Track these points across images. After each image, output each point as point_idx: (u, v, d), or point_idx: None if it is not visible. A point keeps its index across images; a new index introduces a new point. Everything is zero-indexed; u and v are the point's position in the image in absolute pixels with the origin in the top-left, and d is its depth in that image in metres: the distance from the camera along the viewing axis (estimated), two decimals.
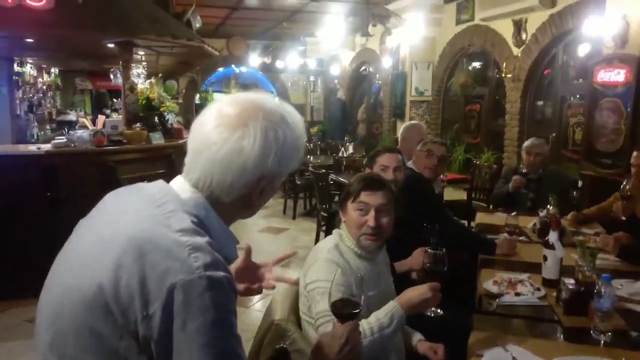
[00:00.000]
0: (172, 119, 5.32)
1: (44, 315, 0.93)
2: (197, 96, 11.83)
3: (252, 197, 1.00)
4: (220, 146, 0.94)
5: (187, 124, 8.09)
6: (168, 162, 4.69)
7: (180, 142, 4.98)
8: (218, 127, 0.95)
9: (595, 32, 4.41)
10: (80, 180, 4.08)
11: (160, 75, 6.02)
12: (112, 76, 6.01)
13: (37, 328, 0.94)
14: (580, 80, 5.25)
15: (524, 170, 3.84)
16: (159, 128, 4.99)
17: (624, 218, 3.02)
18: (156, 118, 5.03)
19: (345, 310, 1.18)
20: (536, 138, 4.10)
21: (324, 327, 1.56)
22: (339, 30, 7.01)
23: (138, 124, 4.78)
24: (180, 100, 10.27)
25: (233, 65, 12.28)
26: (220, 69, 12.25)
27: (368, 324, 1.58)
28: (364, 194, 1.76)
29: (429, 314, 1.72)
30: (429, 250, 1.68)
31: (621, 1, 4.04)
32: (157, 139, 4.75)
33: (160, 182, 1.01)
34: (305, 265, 1.77)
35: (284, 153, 0.98)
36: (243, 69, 12.58)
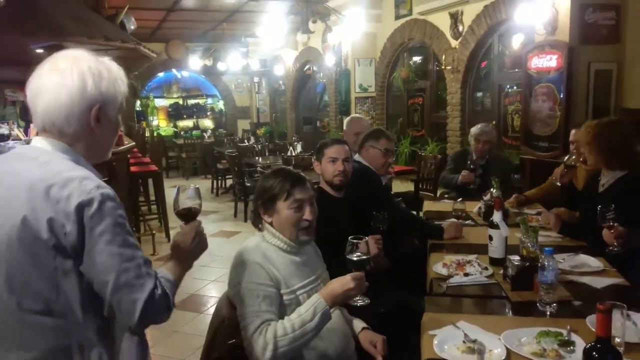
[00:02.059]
0: None
1: None
2: (138, 103, 11.46)
3: (94, 129, 1.22)
4: (48, 88, 1.17)
5: (128, 132, 7.84)
6: (110, 169, 4.47)
7: (120, 148, 4.77)
8: (48, 74, 1.19)
9: (527, 21, 4.57)
10: None
11: None
12: None
13: None
14: (516, 70, 5.45)
15: (471, 167, 3.88)
16: None
17: (559, 184, 3.14)
18: None
19: (186, 214, 1.42)
20: (485, 124, 4.15)
21: (246, 330, 1.56)
22: (280, 29, 6.94)
23: None
24: None
25: (174, 70, 11.96)
26: (161, 74, 11.90)
27: (289, 321, 1.56)
28: (297, 191, 1.73)
29: (355, 303, 1.67)
30: (350, 239, 1.64)
31: None
32: None
33: (28, 147, 1.24)
34: (231, 264, 1.73)
35: (107, 81, 1.23)
36: (185, 73, 12.27)
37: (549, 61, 4.31)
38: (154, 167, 6.06)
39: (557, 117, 4.32)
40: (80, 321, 1.16)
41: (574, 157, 3.01)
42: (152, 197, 6.42)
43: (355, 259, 1.62)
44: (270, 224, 1.75)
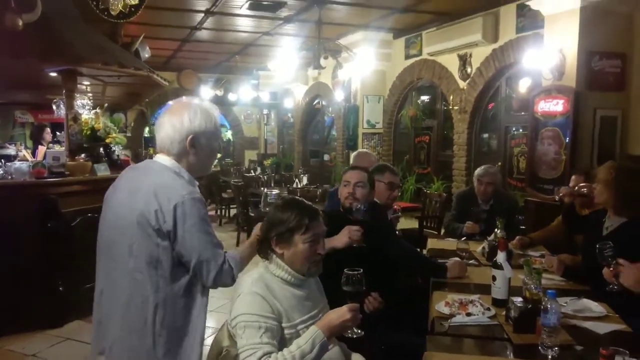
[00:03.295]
0: (119, 151, 5.14)
1: (112, 237, 1.73)
2: (147, 129, 11.60)
3: (190, 152, 1.74)
4: (163, 123, 1.75)
5: (136, 157, 7.88)
6: None
7: None
8: (166, 114, 1.77)
9: (534, 65, 4.66)
10: (18, 214, 3.86)
11: (106, 105, 5.86)
12: (54, 107, 5.76)
13: (107, 247, 1.75)
14: (523, 113, 5.51)
15: (475, 218, 3.82)
16: (104, 159, 4.80)
17: (557, 198, 3.15)
18: (101, 149, 4.85)
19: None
20: (489, 166, 4.14)
21: None
22: (292, 63, 7.10)
23: (82, 155, 4.58)
24: (129, 134, 10.03)
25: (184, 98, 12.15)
26: (171, 102, 12.09)
27: (289, 352, 1.55)
28: (314, 225, 1.74)
29: (349, 335, 1.66)
30: (346, 271, 1.67)
31: (557, 36, 4.31)
32: (103, 170, 4.56)
33: (151, 161, 1.81)
34: (232, 301, 1.72)
35: (200, 118, 1.74)
36: (173, 102, 12.45)
37: (556, 105, 4.36)
38: None
39: (563, 161, 4.34)
40: (168, 280, 1.66)
41: (584, 190, 3.00)
42: None
43: (351, 290, 1.65)
44: (281, 255, 1.73)
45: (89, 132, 4.64)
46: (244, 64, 10.33)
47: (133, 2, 4.20)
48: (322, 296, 1.88)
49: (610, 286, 2.16)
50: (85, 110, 5.01)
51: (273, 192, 2.11)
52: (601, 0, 4.06)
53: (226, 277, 1.71)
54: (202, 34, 7.65)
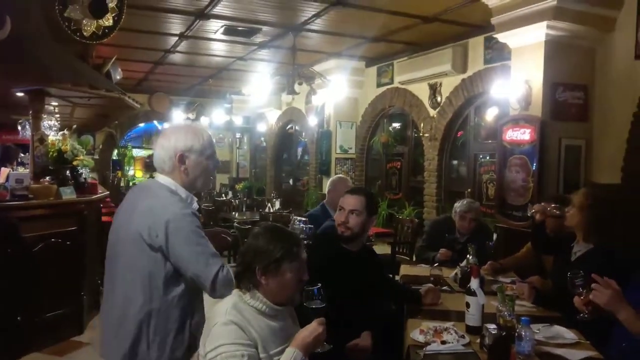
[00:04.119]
0: (86, 174, 5.01)
1: (116, 249, 1.88)
2: (115, 152, 11.39)
3: (182, 169, 1.87)
4: (156, 145, 1.93)
5: (103, 180, 7.70)
6: (79, 219, 4.35)
7: (93, 197, 4.67)
8: (160, 138, 1.93)
9: (502, 95, 4.81)
10: None
11: (74, 127, 5.72)
12: (20, 128, 5.59)
13: (111, 259, 1.90)
14: (491, 141, 5.66)
15: (452, 245, 3.78)
16: (70, 182, 4.65)
17: (530, 214, 3.18)
18: (68, 172, 4.70)
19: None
20: (471, 201, 4.01)
21: None
22: (266, 88, 7.13)
23: (47, 178, 4.43)
24: (97, 156, 9.82)
25: (155, 121, 12.02)
26: (141, 125, 11.93)
27: None
28: (301, 251, 1.72)
29: (319, 350, 1.67)
30: (306, 288, 1.71)
31: (523, 67, 4.47)
32: (68, 194, 4.41)
33: (151, 180, 2.00)
34: (204, 334, 1.68)
35: (185, 137, 1.87)
36: (166, 125, 12.34)
37: (523, 134, 4.49)
38: None
39: (530, 188, 4.44)
40: (162, 291, 1.76)
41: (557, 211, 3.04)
42: None
43: (315, 305, 1.70)
44: (266, 285, 1.67)
45: (55, 154, 4.50)
46: (217, 88, 10.32)
47: (107, 24, 4.16)
48: (296, 327, 1.84)
49: (581, 315, 2.19)
50: (52, 131, 4.88)
51: (300, 219, 2.15)
52: (564, 35, 4.25)
53: (224, 286, 1.74)
54: (176, 57, 7.63)
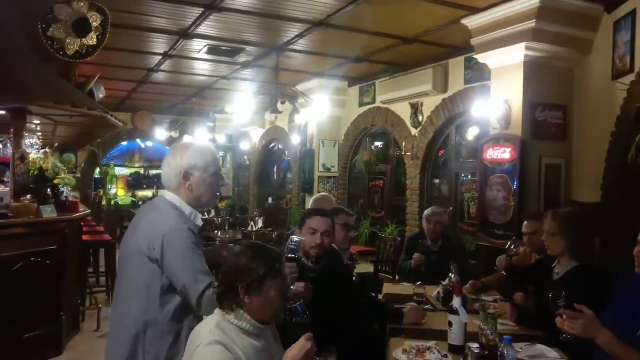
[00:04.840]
0: (67, 192, 4.93)
1: (123, 261, 1.97)
2: (97, 170, 11.24)
3: (187, 186, 1.97)
4: (163, 163, 2.02)
5: (85, 199, 7.59)
6: (60, 237, 4.27)
7: (74, 216, 4.60)
8: (167, 156, 2.04)
9: (482, 115, 4.89)
10: None
11: (56, 144, 5.65)
12: (0, 146, 5.51)
13: (119, 270, 2.02)
14: (472, 159, 5.74)
15: (428, 243, 4.09)
16: (51, 201, 4.58)
17: (504, 272, 3.21)
18: (49, 190, 4.63)
19: None
20: (436, 207, 4.38)
21: None
22: (249, 107, 7.14)
23: (28, 196, 4.35)
24: (78, 175, 9.68)
25: (138, 139, 11.92)
26: (124, 143, 11.82)
27: None
28: (283, 267, 1.72)
29: None
30: (289, 305, 1.75)
31: (503, 88, 4.57)
32: (49, 212, 4.33)
33: (158, 197, 2.09)
34: (186, 355, 1.65)
35: (189, 155, 1.97)
36: (148, 143, 12.25)
37: (503, 153, 4.56)
38: (107, 237, 5.83)
39: (512, 207, 4.49)
40: (157, 304, 1.83)
41: (513, 246, 3.09)
42: (103, 268, 6.10)
43: (301, 320, 1.74)
44: (249, 304, 1.65)
45: (36, 172, 4.44)
46: (200, 106, 10.31)
47: (90, 43, 4.15)
48: (278, 345, 1.82)
49: (564, 335, 2.20)
50: (34, 149, 4.82)
51: (296, 239, 2.16)
52: (543, 56, 4.36)
53: (209, 304, 1.76)
54: (159, 76, 7.62)
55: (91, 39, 4.15)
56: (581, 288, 2.41)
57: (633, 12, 3.77)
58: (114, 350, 1.92)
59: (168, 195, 1.99)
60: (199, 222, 1.99)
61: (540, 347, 2.27)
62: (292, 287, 2.01)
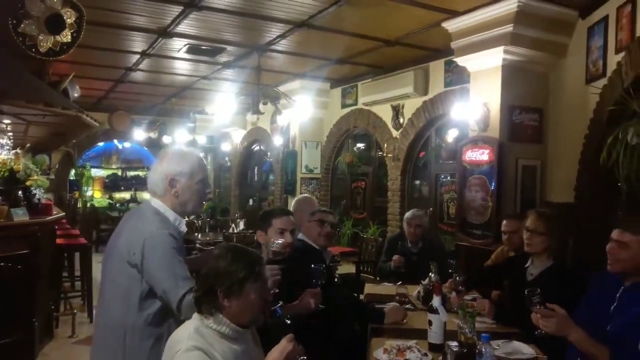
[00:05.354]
0: (40, 195, 4.82)
1: (105, 265, 1.97)
2: (73, 172, 11.02)
3: (173, 192, 1.96)
4: (150, 169, 2.03)
5: (59, 201, 7.40)
6: (32, 241, 4.16)
7: (47, 219, 4.49)
8: (155, 162, 2.05)
9: (461, 117, 4.94)
10: None
11: (28, 145, 5.51)
12: None
13: (102, 274, 1.99)
14: (451, 161, 5.80)
15: (408, 244, 4.15)
16: (23, 203, 4.46)
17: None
18: (20, 192, 4.51)
19: None
20: (417, 209, 4.42)
21: None
22: (230, 108, 7.09)
23: None
24: (52, 176, 9.47)
25: (115, 140, 11.73)
26: (101, 144, 11.62)
27: None
28: (263, 271, 1.69)
29: None
30: (272, 308, 1.77)
31: (482, 91, 4.63)
32: (21, 215, 4.21)
33: (143, 202, 2.09)
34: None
35: (176, 162, 1.97)
36: (126, 144, 12.06)
37: (482, 155, 4.62)
38: (82, 240, 5.69)
39: (489, 207, 4.55)
40: (137, 309, 1.82)
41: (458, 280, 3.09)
42: (78, 273, 5.95)
43: (281, 322, 1.77)
44: (229, 308, 1.62)
45: (6, 174, 4.31)
46: (180, 107, 10.21)
47: (65, 40, 4.05)
48: (258, 349, 1.80)
49: (539, 330, 2.24)
50: (4, 150, 4.69)
51: (279, 241, 2.21)
52: (520, 60, 4.44)
53: (189, 309, 1.73)
54: (137, 76, 7.51)
55: (65, 37, 4.05)
56: (555, 288, 2.47)
57: (605, 19, 3.87)
58: (98, 356, 1.93)
59: (153, 201, 1.99)
60: (183, 229, 1.98)
61: (517, 344, 2.30)
62: (275, 290, 2.01)
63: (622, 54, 3.54)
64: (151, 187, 1.99)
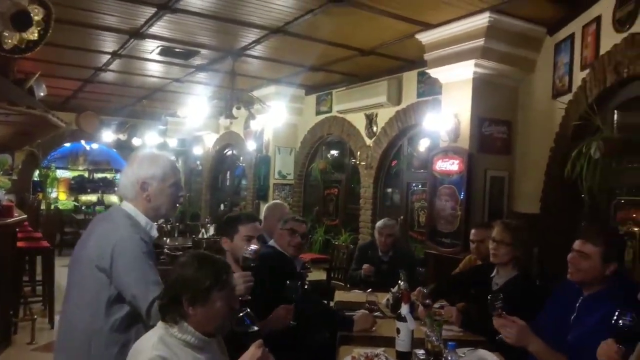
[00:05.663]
0: (1, 196, 4.66)
1: (71, 269, 1.93)
2: (37, 172, 10.68)
3: (144, 196, 1.92)
4: (121, 173, 2.02)
5: (21, 203, 7.16)
6: None
7: (8, 221, 4.34)
8: (125, 166, 2.02)
9: (433, 127, 5.03)
10: None
11: None
12: None
13: (68, 278, 1.94)
14: (422, 170, 5.87)
15: (379, 253, 4.19)
16: None
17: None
18: None
19: None
20: (388, 219, 4.44)
21: None
22: (203, 111, 7.01)
23: None
24: (15, 177, 9.16)
25: (82, 141, 11.43)
26: (67, 144, 11.31)
27: None
28: (230, 279, 1.67)
29: None
30: (240, 316, 1.75)
31: (453, 102, 4.72)
32: None
33: (114, 207, 2.04)
34: None
35: (147, 165, 1.94)
36: (94, 146, 11.76)
37: (452, 165, 4.70)
38: (45, 244, 5.49)
39: (458, 216, 4.63)
40: (103, 314, 1.78)
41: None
42: (40, 277, 5.73)
43: (247, 331, 1.74)
44: (194, 316, 1.59)
45: None
46: (151, 109, 10.05)
47: (31, 37, 3.93)
48: (225, 357, 1.77)
49: (500, 336, 2.29)
50: None
51: (252, 247, 2.20)
52: (491, 73, 4.54)
53: (159, 316, 1.69)
54: (107, 76, 7.36)
55: (32, 34, 3.93)
56: (520, 298, 2.52)
57: (572, 36, 4.00)
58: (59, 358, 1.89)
59: (124, 205, 1.96)
60: (154, 234, 1.95)
61: (483, 352, 2.33)
62: (247, 296, 2.00)
63: (587, 70, 3.67)
64: (122, 191, 1.96)
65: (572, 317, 2.16)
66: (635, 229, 3.28)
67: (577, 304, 2.17)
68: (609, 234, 2.28)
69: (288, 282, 2.44)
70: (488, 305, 2.23)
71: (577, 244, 2.16)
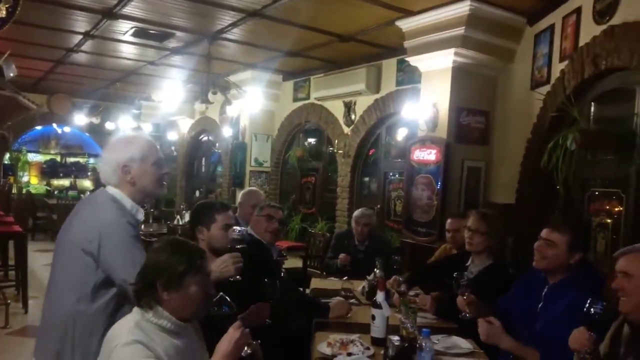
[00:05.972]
0: None
1: (55, 252, 1.92)
2: (8, 156, 10.35)
3: (128, 180, 1.89)
4: (102, 157, 1.98)
5: None
6: None
7: None
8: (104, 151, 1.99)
9: (411, 117, 5.02)
10: None
11: None
12: None
13: (52, 261, 1.92)
14: (400, 159, 5.88)
15: (355, 242, 4.20)
16: None
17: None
18: None
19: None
20: (366, 208, 4.43)
21: None
22: (178, 96, 6.86)
23: None
24: None
25: (54, 124, 11.11)
26: (39, 127, 10.98)
27: None
28: (204, 264, 1.63)
29: (243, 354, 1.61)
30: (215, 300, 1.73)
31: (432, 91, 4.71)
32: None
33: (99, 190, 1.96)
34: (101, 358, 1.55)
35: (125, 148, 1.90)
36: (66, 129, 11.45)
37: (429, 155, 4.71)
38: (17, 228, 5.35)
39: (435, 206, 4.66)
40: (89, 298, 1.77)
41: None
42: (12, 262, 5.59)
43: (223, 313, 1.71)
44: (168, 301, 1.57)
45: None
46: (125, 92, 9.80)
47: None
48: (200, 342, 1.75)
49: (463, 314, 2.33)
50: None
51: (239, 228, 2.17)
52: (470, 63, 4.55)
53: None
54: (80, 57, 7.14)
55: (0, 12, 3.77)
56: (493, 286, 2.56)
57: (552, 27, 4.03)
58: (43, 345, 1.86)
59: (109, 188, 1.92)
60: (140, 217, 1.93)
61: (455, 339, 2.36)
62: (238, 277, 2.03)
63: (566, 62, 3.70)
64: (105, 178, 1.92)
65: (539, 305, 2.20)
66: (608, 220, 3.34)
67: (543, 293, 2.21)
68: (576, 224, 2.33)
69: (266, 280, 2.41)
70: (453, 283, 2.27)
71: (544, 232, 2.21)
